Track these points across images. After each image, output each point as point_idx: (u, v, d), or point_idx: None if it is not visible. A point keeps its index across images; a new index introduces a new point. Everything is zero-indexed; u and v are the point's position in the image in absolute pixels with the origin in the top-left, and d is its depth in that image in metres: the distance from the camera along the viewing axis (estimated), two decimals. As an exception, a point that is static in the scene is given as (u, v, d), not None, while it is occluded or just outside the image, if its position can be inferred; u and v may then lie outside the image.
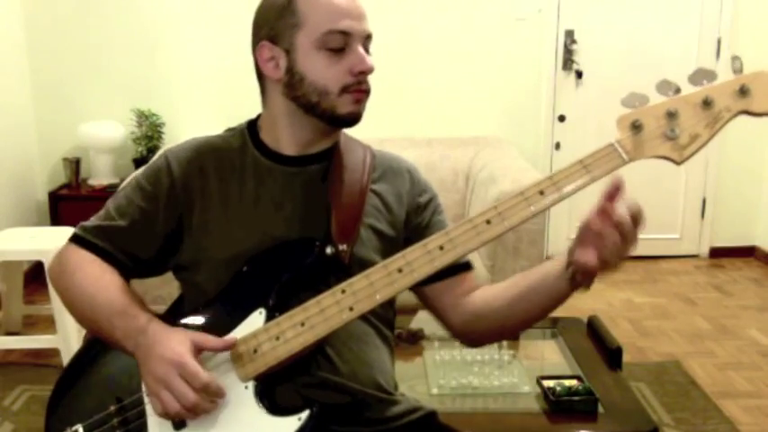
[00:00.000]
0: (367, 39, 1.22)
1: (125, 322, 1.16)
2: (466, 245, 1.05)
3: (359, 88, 1.20)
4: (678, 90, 1.04)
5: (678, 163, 1.04)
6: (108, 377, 1.20)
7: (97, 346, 1.24)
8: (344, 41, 1.18)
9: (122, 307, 1.18)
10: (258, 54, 1.23)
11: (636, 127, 1.04)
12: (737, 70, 1.02)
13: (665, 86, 1.04)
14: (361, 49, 1.19)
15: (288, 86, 1.22)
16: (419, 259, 1.06)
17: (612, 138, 1.05)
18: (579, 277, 1.08)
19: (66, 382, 1.27)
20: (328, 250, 1.17)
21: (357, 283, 1.08)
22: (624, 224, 1.02)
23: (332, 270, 1.14)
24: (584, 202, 3.68)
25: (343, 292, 1.08)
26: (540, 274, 1.16)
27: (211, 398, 1.09)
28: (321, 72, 1.19)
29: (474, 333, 1.29)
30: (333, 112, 1.20)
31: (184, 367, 1.07)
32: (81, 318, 1.25)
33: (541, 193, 1.04)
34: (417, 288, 1.27)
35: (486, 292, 1.26)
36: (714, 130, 1.02)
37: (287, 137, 1.26)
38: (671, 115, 1.03)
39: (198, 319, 1.20)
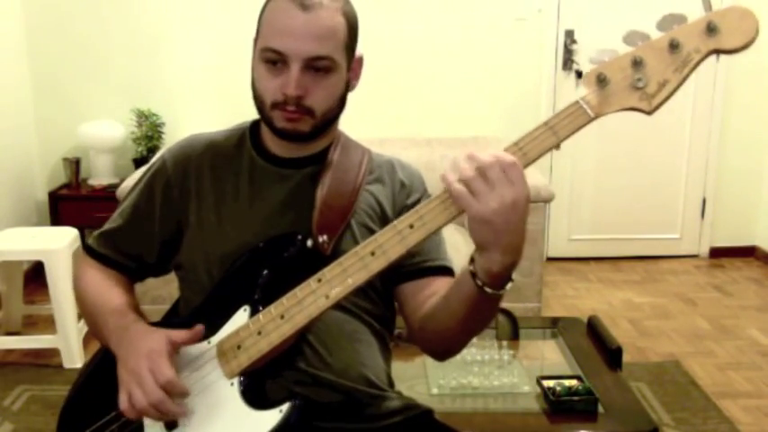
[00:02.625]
0: (315, 60, 1.15)
1: (114, 319, 1.21)
2: (435, 220, 1.02)
3: (285, 108, 1.17)
4: (647, 39, 1.00)
5: (648, 112, 1.00)
6: (111, 385, 1.21)
7: (104, 355, 1.26)
8: (279, 59, 1.16)
9: (116, 306, 1.24)
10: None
11: (601, 81, 1.00)
12: (706, 9, 0.98)
13: (634, 37, 1.00)
14: (294, 71, 1.15)
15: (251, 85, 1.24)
16: (390, 240, 1.04)
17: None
18: (478, 260, 1.03)
19: (77, 391, 1.30)
20: (309, 243, 1.18)
21: (331, 270, 1.07)
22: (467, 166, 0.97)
23: (314, 263, 1.12)
24: (584, 204, 3.70)
25: (319, 281, 1.08)
26: (456, 276, 1.12)
27: (176, 397, 1.09)
28: (259, 82, 1.20)
29: (423, 341, 1.25)
30: (270, 124, 1.22)
31: (153, 361, 1.09)
32: (86, 318, 1.33)
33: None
34: (394, 287, 1.28)
35: (432, 297, 1.22)
36: (684, 74, 0.98)
37: (276, 140, 1.27)
38: (637, 64, 0.99)
39: (190, 320, 1.21)
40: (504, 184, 0.95)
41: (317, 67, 1.17)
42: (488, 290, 1.03)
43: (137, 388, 1.09)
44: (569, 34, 4.09)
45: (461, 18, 4.04)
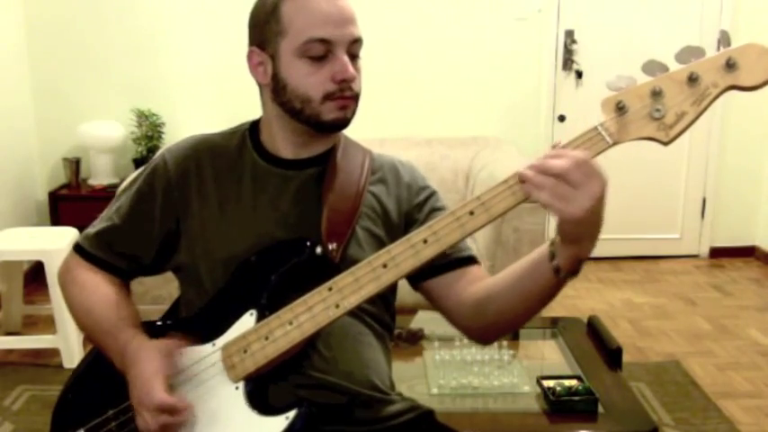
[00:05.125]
0: (354, 43, 1.19)
1: (112, 341, 1.20)
2: (449, 237, 1.03)
3: (342, 95, 1.18)
4: (665, 69, 1.01)
5: (665, 143, 1.01)
6: (107, 383, 1.21)
7: (98, 355, 1.26)
8: (326, 49, 1.16)
9: (109, 326, 1.22)
10: (249, 59, 1.24)
11: (620, 108, 1.01)
12: (725, 44, 0.99)
13: (652, 66, 1.01)
14: (343, 56, 1.17)
15: (274, 92, 1.22)
16: (403, 253, 1.05)
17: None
18: (558, 253, 1.04)
19: (71, 389, 1.29)
20: (318, 250, 1.17)
21: (342, 280, 1.07)
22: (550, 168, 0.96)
23: (323, 270, 1.13)
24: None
25: (330, 289, 1.08)
26: (529, 260, 1.12)
27: (180, 414, 1.10)
28: (302, 80, 1.18)
29: (478, 326, 1.24)
30: (317, 119, 1.20)
31: (145, 389, 1.10)
32: (82, 328, 1.31)
33: (524, 181, 1.01)
34: (420, 285, 1.27)
35: (488, 282, 1.22)
36: (701, 107, 0.99)
37: (282, 139, 1.26)
38: (656, 94, 0.99)
39: (194, 321, 1.21)
40: (587, 182, 0.95)
41: (354, 51, 1.19)
42: (570, 278, 1.06)
43: (143, 413, 1.10)
44: (569, 34, 4.09)
45: (461, 18, 4.04)
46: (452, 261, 1.25)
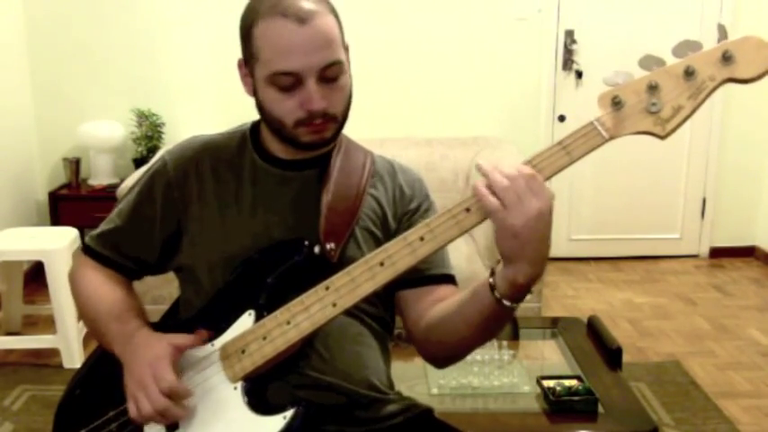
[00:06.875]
0: (327, 68, 1.14)
1: (116, 326, 1.21)
2: (446, 234, 1.02)
3: (311, 122, 1.16)
4: (662, 64, 1.00)
5: (662, 137, 1.00)
6: (109, 384, 1.21)
7: (102, 354, 1.27)
8: (294, 79, 1.13)
9: (118, 313, 1.24)
10: (238, 69, 1.24)
11: (616, 103, 1.01)
12: (722, 38, 0.98)
13: (649, 61, 1.01)
14: (311, 86, 1.13)
15: (258, 107, 1.22)
16: (400, 251, 1.04)
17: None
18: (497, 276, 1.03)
19: (73, 390, 1.29)
20: (316, 250, 1.17)
21: (339, 279, 1.07)
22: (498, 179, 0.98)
23: (321, 270, 1.13)
24: (584, 204, 3.70)
25: (327, 289, 1.08)
26: (474, 283, 1.11)
27: (180, 401, 1.11)
28: (274, 105, 1.17)
29: (427, 346, 1.23)
30: (294, 141, 1.20)
31: (155, 368, 1.10)
32: (86, 322, 1.32)
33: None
34: (395, 292, 1.27)
35: (441, 303, 1.21)
36: (698, 101, 0.99)
37: (278, 144, 1.26)
38: (652, 89, 0.99)
39: (193, 322, 1.22)
40: (531, 196, 0.97)
41: (329, 75, 1.15)
42: (506, 302, 1.03)
43: (142, 396, 1.10)
44: (569, 34, 4.09)
45: (461, 18, 4.04)
46: (425, 277, 1.25)
